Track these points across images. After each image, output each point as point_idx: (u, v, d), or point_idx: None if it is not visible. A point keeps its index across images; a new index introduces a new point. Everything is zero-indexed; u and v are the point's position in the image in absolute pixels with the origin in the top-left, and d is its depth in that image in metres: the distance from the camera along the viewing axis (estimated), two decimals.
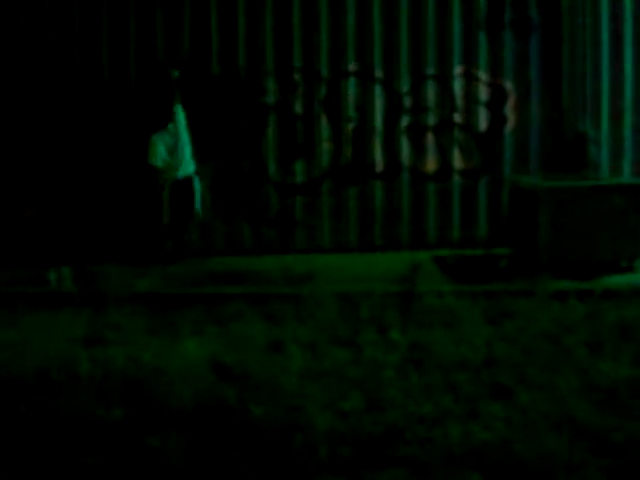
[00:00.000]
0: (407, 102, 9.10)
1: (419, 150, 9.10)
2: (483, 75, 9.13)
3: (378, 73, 9.08)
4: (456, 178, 9.11)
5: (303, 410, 4.47)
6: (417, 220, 9.06)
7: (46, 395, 4.80)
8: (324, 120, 9.05)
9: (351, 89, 9.08)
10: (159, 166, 8.54)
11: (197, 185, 8.73)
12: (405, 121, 9.09)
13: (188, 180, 8.65)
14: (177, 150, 8.56)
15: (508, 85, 9.14)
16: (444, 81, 9.12)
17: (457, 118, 9.15)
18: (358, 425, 4.31)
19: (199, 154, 8.88)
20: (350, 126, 9.07)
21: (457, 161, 9.14)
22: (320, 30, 9.00)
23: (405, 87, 9.09)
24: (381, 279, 7.26)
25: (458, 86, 9.13)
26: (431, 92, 9.12)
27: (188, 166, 8.66)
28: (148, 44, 8.94)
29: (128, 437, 4.21)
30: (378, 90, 9.09)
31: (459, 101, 9.13)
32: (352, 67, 9.07)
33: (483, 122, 9.16)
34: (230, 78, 9.00)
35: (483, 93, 9.15)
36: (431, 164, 9.11)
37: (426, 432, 4.22)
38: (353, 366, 5.28)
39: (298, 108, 9.05)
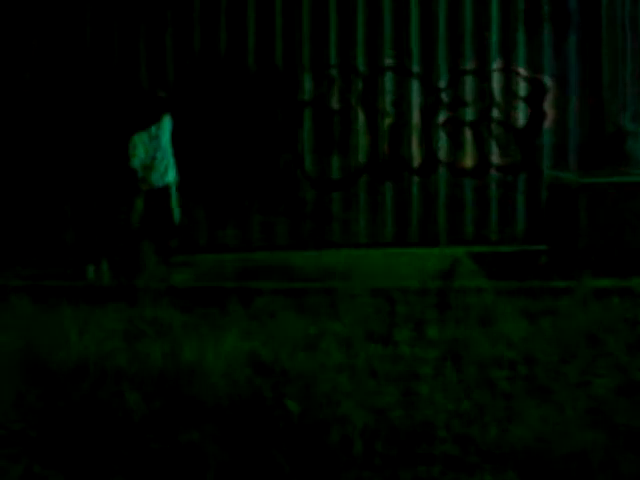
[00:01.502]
0: (445, 97, 9.05)
1: (457, 145, 9.05)
2: (522, 70, 9.06)
3: (415, 68, 9.04)
4: (494, 174, 9.06)
5: (339, 405, 4.47)
6: (454, 216, 9.02)
7: (85, 388, 4.84)
8: (361, 115, 9.04)
9: (388, 84, 9.05)
10: (137, 168, 8.40)
11: (174, 195, 8.58)
12: (442, 116, 9.05)
13: (165, 189, 8.49)
14: (157, 157, 8.43)
15: (547, 80, 9.05)
16: (482, 76, 9.06)
17: (495, 113, 9.09)
18: (393, 421, 4.30)
19: (236, 150, 8.93)
20: (387, 121, 9.05)
21: (495, 156, 9.08)
22: (357, 25, 8.99)
23: (443, 82, 9.05)
24: (417, 275, 7.23)
25: (496, 81, 9.07)
26: (469, 87, 9.07)
27: (167, 175, 8.50)
28: (185, 41, 8.98)
29: (165, 430, 4.24)
30: (415, 85, 9.05)
31: (497, 96, 9.07)
32: (389, 62, 9.04)
33: (522, 117, 9.09)
34: (267, 74, 9.01)
35: (522, 88, 9.08)
36: (469, 159, 9.06)
37: (462, 429, 4.20)
38: (389, 362, 5.27)
39: (335, 103, 9.05)
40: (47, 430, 4.31)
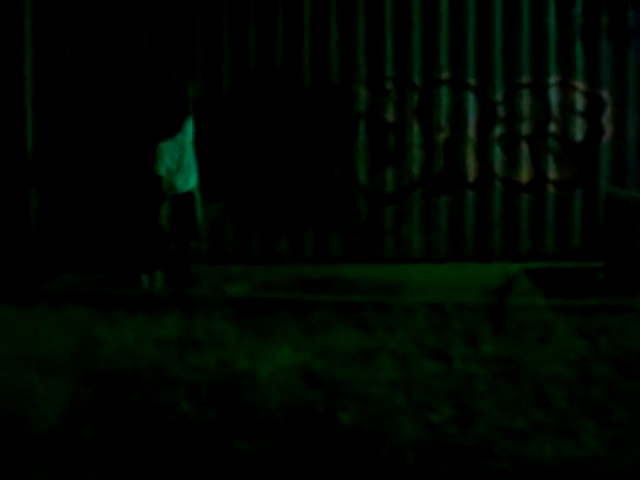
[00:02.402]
0: (501, 111, 8.97)
1: (512, 160, 8.96)
2: (579, 84, 8.94)
3: (471, 81, 8.98)
4: (550, 189, 8.94)
5: (392, 419, 4.45)
6: (509, 231, 8.92)
7: (140, 395, 4.90)
8: (416, 128, 9.00)
9: (443, 97, 9.01)
10: (163, 174, 8.46)
11: (198, 200, 8.64)
12: (499, 130, 8.96)
13: (189, 194, 8.57)
14: (182, 163, 8.51)
15: (605, 94, 8.93)
16: (539, 90, 8.96)
17: (552, 128, 8.98)
18: (447, 437, 4.27)
19: (290, 163, 8.98)
20: (442, 135, 9.01)
21: (551, 172, 8.96)
22: (412, 38, 8.96)
23: (499, 96, 8.96)
24: (472, 290, 7.18)
25: (553, 95, 8.96)
26: (525, 101, 8.97)
27: (191, 181, 8.58)
28: (241, 55, 9.06)
29: (219, 440, 4.26)
30: (471, 98, 8.99)
31: (554, 110, 8.96)
32: (445, 75, 9.00)
33: (579, 132, 8.96)
34: (322, 87, 9.05)
35: (579, 102, 8.96)
36: (525, 174, 8.95)
37: (517, 446, 4.15)
38: (443, 378, 5.22)
39: (390, 116, 9.03)
40: (103, 433, 4.36)
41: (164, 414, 4.58)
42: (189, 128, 8.48)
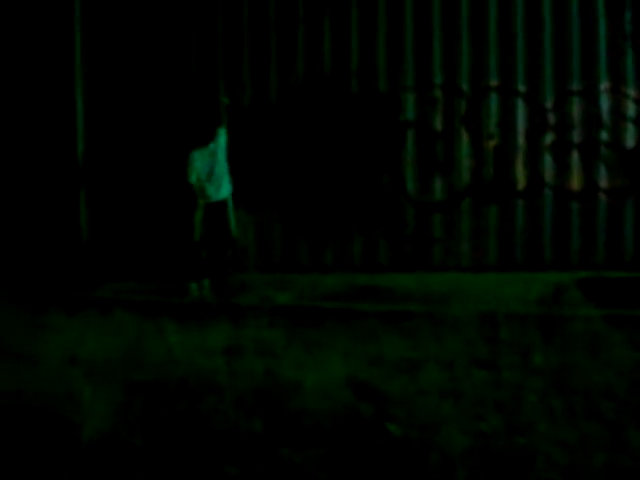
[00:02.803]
0: (551, 118, 8.88)
1: (563, 168, 8.85)
2: (630, 91, 8.81)
3: (521, 88, 8.90)
4: (602, 197, 8.81)
5: (440, 430, 4.40)
6: (560, 240, 8.81)
7: (187, 403, 4.91)
8: (464, 136, 8.95)
9: (493, 105, 8.94)
10: (194, 183, 8.48)
11: (231, 208, 8.64)
12: (549, 138, 8.86)
13: (222, 203, 8.57)
14: (214, 172, 8.52)
15: None
16: (590, 97, 8.85)
17: (603, 135, 8.86)
18: (497, 447, 4.21)
19: (338, 171, 8.98)
20: (491, 143, 8.94)
21: (603, 180, 8.83)
22: (461, 45, 8.91)
23: (549, 102, 8.87)
24: (522, 300, 7.10)
25: (605, 102, 8.84)
26: (576, 108, 8.87)
27: (224, 190, 8.58)
28: (289, 64, 9.09)
29: (266, 448, 4.25)
30: (521, 106, 8.91)
31: (606, 118, 8.84)
32: (494, 82, 8.93)
33: (631, 140, 8.83)
34: (369, 95, 9.03)
35: (630, 109, 8.83)
36: (575, 182, 8.84)
37: (567, 458, 4.08)
38: (493, 388, 5.16)
39: (438, 124, 8.99)
40: (151, 440, 4.37)
41: (211, 422, 4.59)
42: (222, 137, 8.52)
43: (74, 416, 4.60)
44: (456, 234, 8.94)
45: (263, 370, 5.44)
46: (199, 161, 8.37)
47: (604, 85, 8.83)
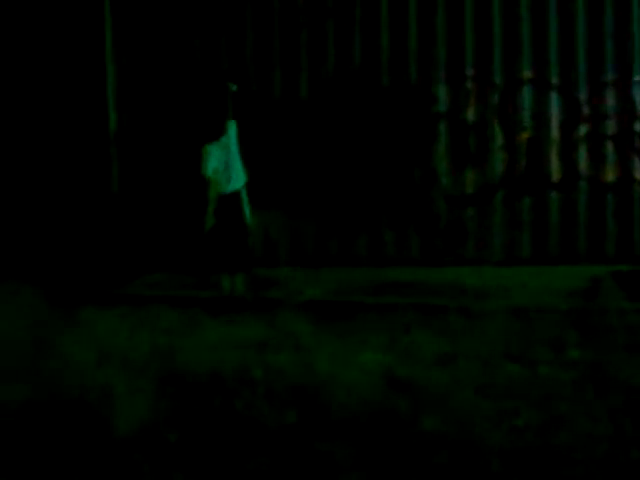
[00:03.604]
0: (585, 110, 8.77)
1: (598, 160, 8.74)
2: None
3: (554, 80, 8.81)
4: (637, 189, 8.70)
5: (475, 425, 4.37)
6: (595, 232, 8.72)
7: (221, 397, 4.92)
8: (497, 129, 8.88)
9: (526, 97, 8.86)
10: (210, 177, 8.48)
11: (245, 198, 8.64)
12: (583, 129, 8.77)
13: (236, 194, 8.57)
14: (228, 164, 8.51)
15: None
16: (624, 88, 8.73)
17: (638, 126, 8.75)
18: (531, 442, 4.17)
19: (369, 164, 8.95)
20: (524, 135, 8.85)
21: (638, 171, 8.73)
22: (493, 36, 8.83)
23: (583, 94, 8.77)
24: (556, 294, 7.03)
25: (639, 93, 8.73)
26: (610, 99, 8.76)
27: (238, 181, 8.58)
28: (319, 57, 9.07)
29: (300, 441, 4.25)
30: (554, 98, 8.82)
31: None
32: (527, 74, 8.84)
33: None
34: (401, 88, 8.99)
35: None
36: (610, 174, 8.73)
37: (602, 453, 4.03)
38: (527, 383, 5.11)
39: (470, 116, 8.92)
40: (185, 435, 4.38)
41: (245, 416, 4.59)
42: (232, 129, 8.54)
43: (107, 411, 4.62)
44: (489, 227, 8.87)
45: (296, 364, 5.44)
46: (214, 154, 8.40)
47: (639, 76, 8.71)
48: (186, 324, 6.74)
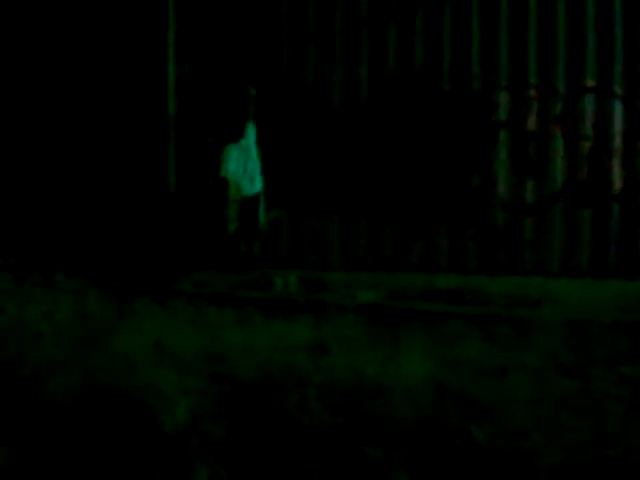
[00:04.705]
0: None
1: None
2: None
3: (618, 89, 8.65)
4: None
5: (527, 437, 4.30)
6: None
7: (270, 398, 4.92)
8: (559, 138, 8.75)
9: (588, 106, 8.71)
10: (228, 178, 8.51)
11: (262, 203, 8.66)
12: None
13: (255, 198, 8.61)
14: (247, 167, 8.52)
15: None
16: None
17: None
18: (583, 458, 4.08)
19: (427, 170, 8.89)
20: (586, 145, 8.71)
21: None
22: (557, 44, 8.71)
23: None
24: (614, 307, 6.89)
25: None
26: None
27: (257, 184, 8.60)
28: (380, 60, 9.04)
29: (350, 446, 4.22)
30: (618, 107, 8.66)
31: None
32: (591, 83, 8.70)
33: None
34: (462, 94, 8.91)
35: None
36: None
37: None
38: (581, 397, 5.01)
39: (531, 125, 8.80)
40: (233, 432, 4.39)
41: (293, 417, 4.58)
42: (251, 132, 8.57)
43: (156, 405, 4.65)
44: (548, 238, 8.74)
45: (347, 368, 5.41)
46: (233, 156, 8.47)
47: None
48: (237, 323, 6.76)
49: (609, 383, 5.30)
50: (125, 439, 4.26)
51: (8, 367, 5.39)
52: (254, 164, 8.65)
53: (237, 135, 8.62)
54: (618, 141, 8.66)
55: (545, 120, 8.78)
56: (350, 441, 4.27)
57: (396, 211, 9.00)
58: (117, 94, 9.72)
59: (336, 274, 8.62)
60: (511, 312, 6.92)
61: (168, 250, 9.44)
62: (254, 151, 8.66)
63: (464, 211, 8.90)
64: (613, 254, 8.65)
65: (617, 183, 8.67)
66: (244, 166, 8.58)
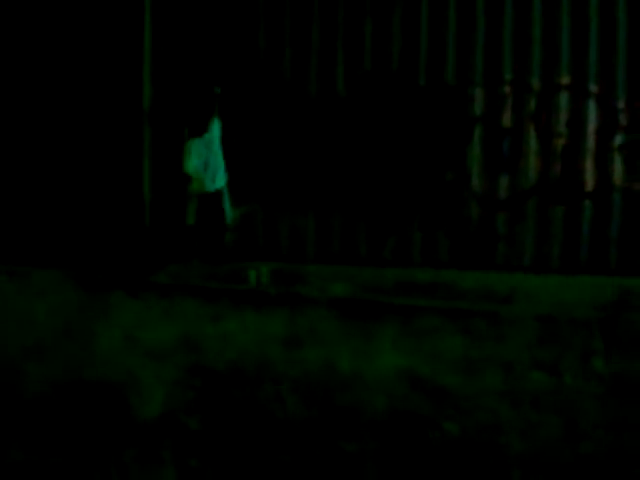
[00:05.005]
0: (622, 119, 8.67)
1: (633, 170, 8.64)
2: None
3: (592, 87, 8.71)
4: None
5: (498, 432, 4.33)
6: (627, 244, 8.61)
7: (243, 390, 4.92)
8: (532, 134, 8.80)
9: (563, 103, 8.76)
10: (190, 173, 8.55)
11: (226, 198, 8.72)
12: (619, 139, 8.66)
13: (218, 194, 8.66)
14: (209, 162, 8.57)
15: None
16: None
17: None
18: (554, 453, 4.12)
19: (402, 164, 8.92)
20: (560, 142, 8.76)
21: None
22: (532, 41, 8.75)
23: (621, 103, 8.66)
24: (584, 304, 6.95)
25: None
26: None
27: (219, 180, 8.65)
28: (356, 56, 9.05)
29: (322, 439, 4.24)
30: (592, 105, 8.72)
31: None
32: (565, 80, 8.75)
33: None
34: (437, 89, 8.94)
35: None
36: None
37: (626, 467, 3.97)
38: (553, 392, 5.06)
39: (506, 121, 8.84)
40: (207, 424, 4.39)
41: (267, 409, 4.59)
42: (215, 127, 8.58)
43: (130, 395, 4.64)
44: (520, 233, 8.80)
45: (320, 361, 5.42)
46: (196, 151, 8.48)
47: None
48: (211, 315, 6.75)
49: (581, 378, 5.36)
50: (100, 429, 4.25)
51: None
52: (217, 159, 8.65)
53: (201, 130, 8.62)
54: (592, 139, 8.70)
55: (519, 116, 8.81)
56: (323, 434, 4.29)
57: (370, 206, 9.01)
58: (93, 88, 9.65)
59: (310, 267, 8.63)
60: (484, 306, 6.97)
61: (142, 243, 9.39)
62: (217, 146, 8.65)
63: (438, 206, 8.92)
64: (584, 251, 8.75)
65: (590, 181, 8.73)
66: (205, 161, 8.58)
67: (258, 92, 9.17)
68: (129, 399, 4.61)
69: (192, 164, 8.55)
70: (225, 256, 8.89)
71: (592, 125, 8.70)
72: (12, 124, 9.93)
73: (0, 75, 9.92)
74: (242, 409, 4.60)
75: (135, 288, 7.64)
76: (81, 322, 6.30)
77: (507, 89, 8.82)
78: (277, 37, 9.15)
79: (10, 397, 4.67)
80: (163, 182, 9.32)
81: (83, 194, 9.70)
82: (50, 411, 4.46)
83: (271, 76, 9.15)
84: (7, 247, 9.40)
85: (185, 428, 4.34)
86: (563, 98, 8.75)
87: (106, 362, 5.24)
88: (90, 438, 4.16)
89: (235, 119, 9.11)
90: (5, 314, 6.45)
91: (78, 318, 6.43)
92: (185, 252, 8.75)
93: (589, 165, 8.71)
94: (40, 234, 9.60)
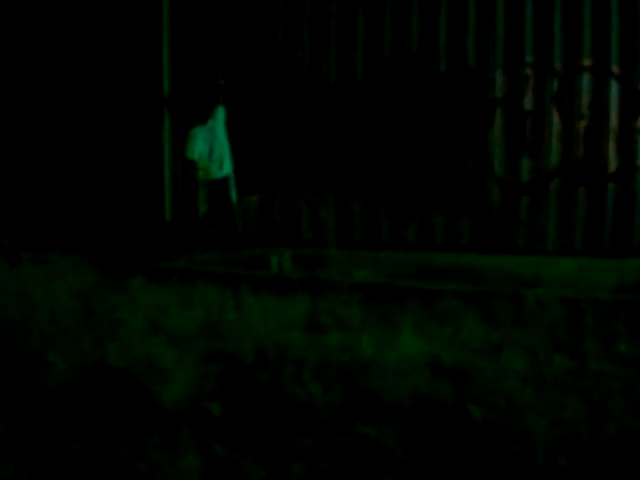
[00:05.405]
0: None
1: None
2: None
3: (615, 69, 8.61)
4: None
5: (522, 415, 4.32)
6: None
7: (265, 375, 4.93)
8: (555, 116, 8.72)
9: (585, 85, 8.67)
10: (195, 160, 8.54)
11: (232, 185, 8.71)
12: None
13: (224, 181, 8.65)
14: (214, 149, 8.56)
15: None
16: None
17: None
18: (578, 435, 4.10)
19: (423, 149, 8.88)
20: (582, 124, 8.68)
21: None
22: (554, 22, 8.66)
23: None
24: (609, 286, 6.89)
25: None
26: None
27: (226, 167, 8.64)
28: (376, 40, 9.01)
29: (343, 423, 4.24)
30: (614, 87, 8.62)
31: None
32: (587, 62, 8.66)
33: None
34: (458, 72, 8.88)
35: None
36: None
37: None
38: (576, 375, 5.03)
39: (528, 103, 8.77)
40: (229, 410, 4.40)
41: (288, 394, 4.60)
42: (220, 114, 8.57)
43: (152, 381, 4.66)
44: (543, 216, 8.73)
45: (341, 345, 5.42)
46: (199, 138, 8.48)
47: None
48: (233, 301, 6.75)
49: (605, 361, 5.32)
50: (123, 415, 4.28)
51: (8, 342, 5.42)
52: (222, 146, 8.66)
53: (204, 117, 8.62)
54: (614, 120, 8.61)
55: (541, 99, 8.74)
56: (345, 418, 4.29)
57: (391, 190, 8.99)
58: (114, 81, 9.72)
59: (331, 252, 8.61)
60: (507, 290, 6.92)
61: (162, 231, 9.44)
62: (222, 133, 8.65)
63: (459, 190, 8.89)
64: (608, 233, 8.66)
65: (612, 162, 8.65)
66: (210, 148, 8.58)
67: (278, 80, 9.16)
68: (150, 384, 4.63)
69: (197, 150, 8.57)
70: (244, 242, 8.90)
71: (614, 106, 8.61)
72: (38, 120, 10.04)
73: (31, 71, 10.01)
74: (264, 394, 4.61)
75: (156, 274, 7.66)
76: (102, 306, 6.34)
77: (529, 71, 8.74)
78: (296, 25, 9.13)
79: (32, 383, 4.71)
80: (182, 171, 9.35)
81: (104, 184, 9.76)
82: (74, 399, 4.49)
83: (290, 64, 9.14)
84: (32, 239, 9.48)
85: (208, 414, 4.35)
86: (585, 80, 8.67)
87: (127, 347, 5.26)
88: (114, 424, 4.18)
89: (255, 107, 9.13)
90: (29, 301, 6.49)
91: (99, 302, 6.47)
92: (204, 239, 8.76)
93: (612, 147, 8.62)
94: (61, 222, 9.68)
